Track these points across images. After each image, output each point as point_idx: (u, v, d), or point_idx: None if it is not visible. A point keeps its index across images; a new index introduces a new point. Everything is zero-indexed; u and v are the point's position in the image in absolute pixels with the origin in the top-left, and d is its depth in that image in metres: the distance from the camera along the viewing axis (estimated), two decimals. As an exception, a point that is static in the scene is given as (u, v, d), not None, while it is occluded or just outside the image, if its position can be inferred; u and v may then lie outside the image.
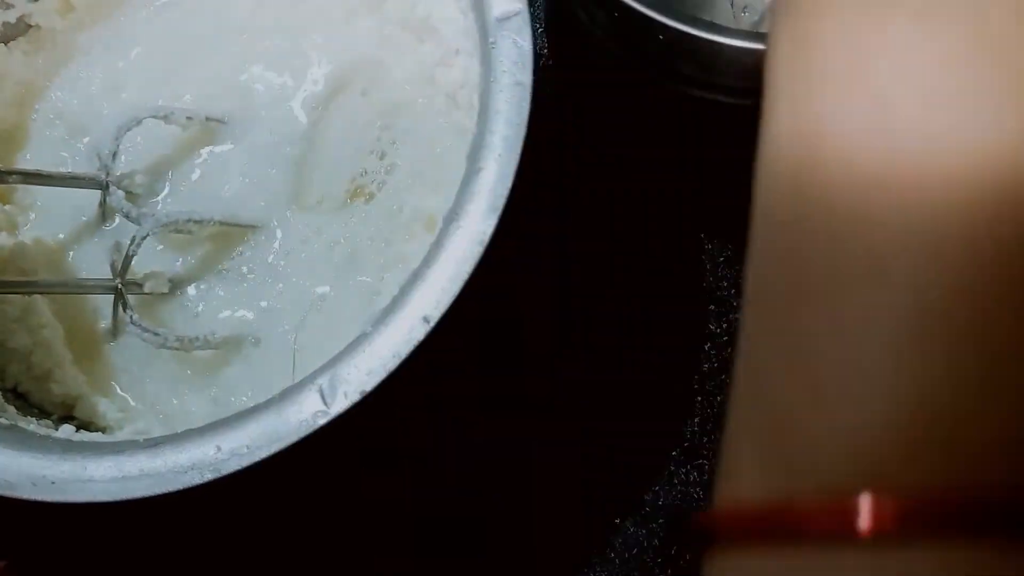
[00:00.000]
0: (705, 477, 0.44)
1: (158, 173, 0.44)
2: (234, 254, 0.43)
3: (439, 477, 0.44)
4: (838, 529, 0.17)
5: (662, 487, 0.44)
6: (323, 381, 0.32)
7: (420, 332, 0.32)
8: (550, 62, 0.49)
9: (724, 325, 0.46)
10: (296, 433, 0.31)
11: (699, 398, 0.45)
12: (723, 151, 0.41)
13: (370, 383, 0.32)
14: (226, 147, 0.44)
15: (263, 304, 0.42)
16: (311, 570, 0.43)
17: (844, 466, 0.17)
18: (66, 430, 0.37)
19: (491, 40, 0.35)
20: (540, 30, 0.50)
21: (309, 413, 0.32)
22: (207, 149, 0.44)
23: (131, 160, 0.44)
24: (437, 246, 0.33)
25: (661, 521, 0.43)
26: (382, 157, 0.43)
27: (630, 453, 0.44)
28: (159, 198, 0.44)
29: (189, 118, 0.43)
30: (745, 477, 0.19)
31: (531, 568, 0.43)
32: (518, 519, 0.44)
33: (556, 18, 0.48)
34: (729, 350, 0.45)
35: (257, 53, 0.45)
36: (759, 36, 0.34)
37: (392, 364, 0.32)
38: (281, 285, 0.42)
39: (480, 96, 0.35)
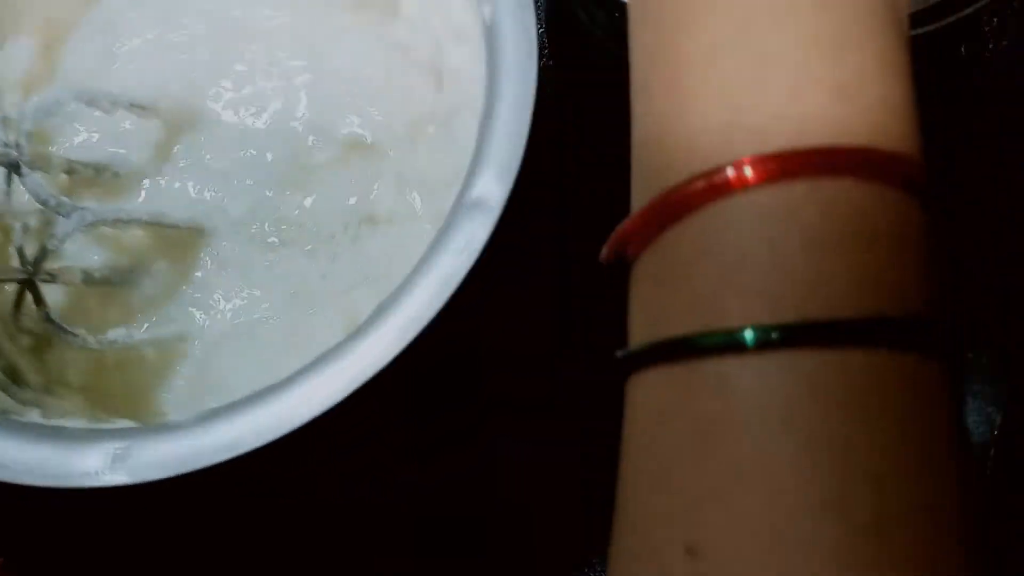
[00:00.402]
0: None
1: (90, 163, 0.42)
2: (178, 261, 0.41)
3: (439, 477, 0.44)
4: (712, 191, 0.20)
5: (662, 487, 0.44)
6: (120, 445, 0.30)
7: (227, 454, 0.29)
8: (550, 62, 0.49)
9: (724, 325, 0.45)
10: (64, 480, 0.30)
11: (699, 398, 0.45)
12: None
13: (154, 475, 0.29)
14: (183, 149, 0.43)
15: (195, 316, 0.41)
16: (311, 570, 0.43)
17: (705, 156, 0.21)
18: None
19: (457, 211, 0.32)
20: (540, 30, 0.50)
21: (86, 468, 0.30)
22: (161, 147, 0.43)
23: (69, 149, 0.42)
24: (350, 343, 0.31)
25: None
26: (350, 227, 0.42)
27: (630, 453, 0.44)
28: (82, 190, 0.42)
29: (113, 103, 0.41)
30: (633, 209, 0.23)
31: (531, 568, 0.43)
32: (518, 519, 0.44)
33: (556, 18, 0.47)
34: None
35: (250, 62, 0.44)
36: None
37: (185, 468, 0.29)
38: (212, 301, 0.41)
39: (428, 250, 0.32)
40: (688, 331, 0.20)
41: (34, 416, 0.34)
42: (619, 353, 0.23)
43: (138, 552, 0.42)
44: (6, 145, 0.39)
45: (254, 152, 0.43)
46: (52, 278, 0.38)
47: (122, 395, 0.39)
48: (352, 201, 0.42)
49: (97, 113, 0.42)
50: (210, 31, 0.44)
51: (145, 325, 0.40)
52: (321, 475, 0.43)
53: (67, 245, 0.40)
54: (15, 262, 0.39)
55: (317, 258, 0.41)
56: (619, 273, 0.24)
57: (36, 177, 0.39)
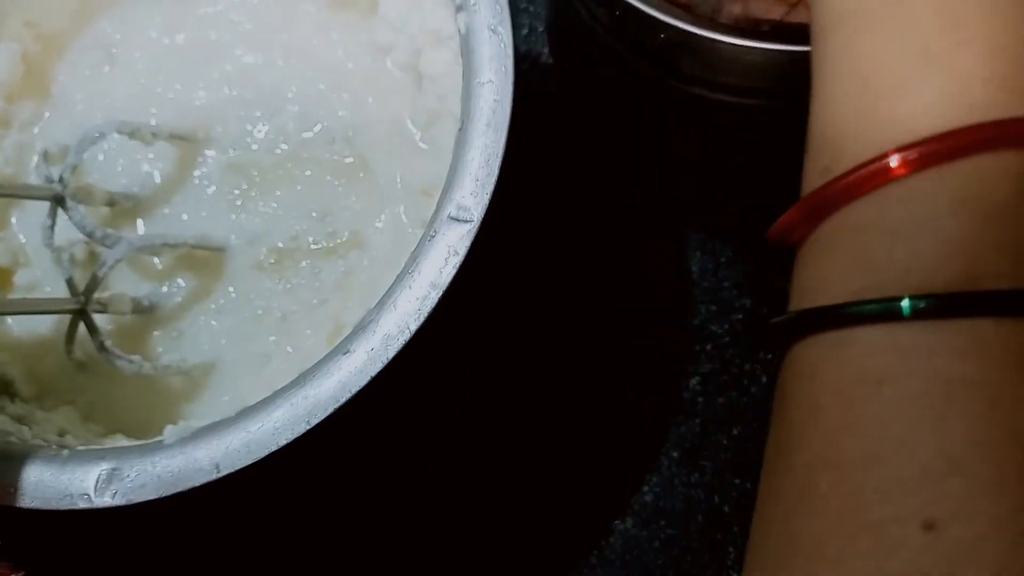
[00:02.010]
0: (706, 478, 0.44)
1: (126, 191, 0.42)
2: (210, 281, 0.41)
3: (438, 477, 0.44)
4: (877, 177, 0.21)
5: (663, 488, 0.44)
6: (105, 468, 0.30)
7: (215, 474, 0.29)
8: (550, 61, 0.49)
9: (725, 326, 0.45)
10: (49, 502, 0.30)
11: (700, 399, 0.45)
12: (725, 150, 0.41)
13: (142, 496, 0.30)
14: (202, 169, 0.42)
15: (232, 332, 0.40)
16: (312, 570, 0.43)
17: (871, 143, 0.22)
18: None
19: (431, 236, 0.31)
20: (540, 29, 0.49)
21: (75, 490, 0.30)
22: (185, 169, 0.42)
23: (98, 177, 0.42)
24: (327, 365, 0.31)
25: (663, 523, 0.43)
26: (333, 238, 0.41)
27: (630, 454, 0.44)
28: (121, 221, 0.41)
29: (154, 135, 0.40)
30: (804, 190, 0.24)
31: (531, 568, 0.43)
32: (518, 519, 0.44)
33: (556, 16, 0.47)
34: (730, 351, 0.45)
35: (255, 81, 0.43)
36: (759, 34, 0.34)
37: (175, 488, 0.29)
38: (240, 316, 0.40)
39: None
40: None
41: (25, 434, 0.34)
42: (792, 311, 0.23)
43: (157, 563, 0.42)
44: (50, 180, 0.39)
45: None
46: (103, 308, 0.38)
47: (129, 413, 0.39)
48: (331, 212, 0.41)
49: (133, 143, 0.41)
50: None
51: (205, 347, 0.40)
52: (318, 475, 0.43)
53: (119, 278, 0.40)
54: (66, 293, 0.38)
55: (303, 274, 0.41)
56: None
57: (81, 210, 0.39)
